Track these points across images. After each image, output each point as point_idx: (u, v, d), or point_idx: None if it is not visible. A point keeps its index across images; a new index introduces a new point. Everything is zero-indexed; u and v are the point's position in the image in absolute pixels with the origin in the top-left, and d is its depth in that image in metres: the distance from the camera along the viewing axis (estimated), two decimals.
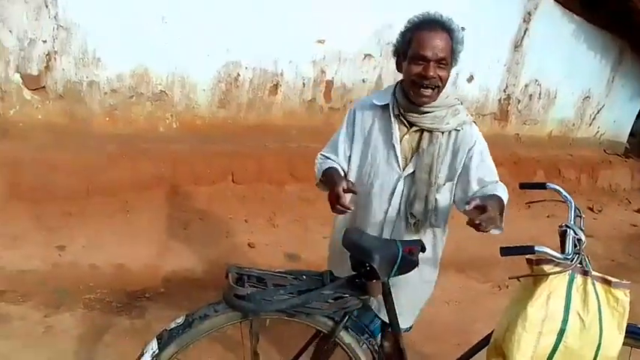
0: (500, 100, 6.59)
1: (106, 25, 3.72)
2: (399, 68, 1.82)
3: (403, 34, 1.77)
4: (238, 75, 4.51)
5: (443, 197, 1.83)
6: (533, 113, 7.10)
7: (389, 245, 1.58)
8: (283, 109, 4.91)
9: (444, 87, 1.74)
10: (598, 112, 8.06)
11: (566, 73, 7.08)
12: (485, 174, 1.78)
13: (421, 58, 1.67)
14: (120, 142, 3.95)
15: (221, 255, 3.60)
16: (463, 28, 1.80)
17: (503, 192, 1.72)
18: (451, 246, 4.45)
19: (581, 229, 1.71)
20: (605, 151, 8.35)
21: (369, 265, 1.51)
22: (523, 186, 2.11)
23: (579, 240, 1.66)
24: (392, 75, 5.38)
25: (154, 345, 1.46)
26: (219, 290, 3.16)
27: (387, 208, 1.86)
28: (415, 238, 1.85)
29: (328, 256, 2.15)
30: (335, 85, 5.10)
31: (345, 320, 1.58)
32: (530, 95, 6.89)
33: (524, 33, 6.35)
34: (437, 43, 1.66)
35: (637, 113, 8.80)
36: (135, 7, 3.79)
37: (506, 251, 1.55)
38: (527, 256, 1.62)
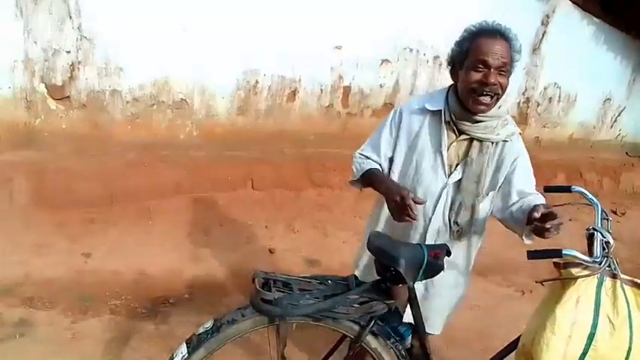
0: (519, 104, 6.55)
1: (128, 35, 3.79)
2: (454, 77, 1.81)
3: (460, 43, 1.75)
4: (257, 82, 4.55)
5: (484, 206, 1.83)
6: (553, 116, 7.03)
7: (414, 250, 1.58)
8: (301, 116, 4.94)
9: (502, 95, 1.73)
10: (619, 114, 7.94)
11: (586, 76, 6.99)
12: (526, 186, 1.79)
13: (482, 63, 1.66)
14: (141, 149, 4.02)
15: (242, 261, 3.62)
16: None
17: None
18: None
19: (609, 232, 1.69)
20: (627, 153, 8.21)
21: (395, 270, 1.52)
22: (548, 189, 2.08)
23: (607, 243, 1.64)
24: (409, 80, 5.38)
25: (183, 349, 1.48)
26: (241, 295, 3.21)
27: (431, 217, 1.84)
28: (455, 245, 1.85)
29: (361, 262, 2.09)
30: (352, 91, 5.11)
31: (371, 325, 1.58)
32: (550, 98, 6.83)
33: (543, 36, 6.30)
34: (498, 50, 1.65)
35: None
36: (156, 17, 3.86)
37: (533, 255, 1.53)
38: (554, 260, 1.61)
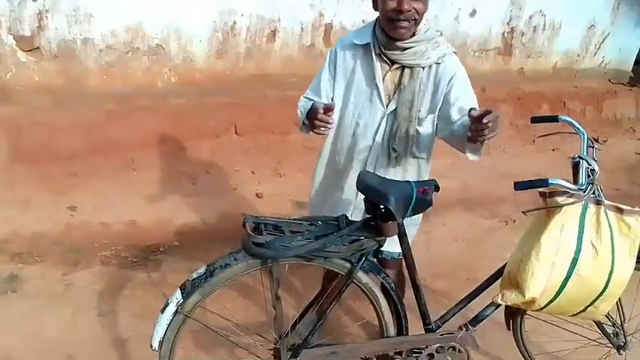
0: (503, 34, 6.42)
1: None
2: (375, 7, 1.80)
3: None
4: (235, 23, 4.38)
5: (425, 129, 1.86)
6: (537, 46, 6.92)
7: (403, 187, 1.59)
8: (282, 57, 4.80)
9: (421, 19, 1.73)
10: (603, 41, 7.85)
11: (570, 2, 6.85)
12: (466, 103, 1.79)
13: None
14: (119, 99, 3.91)
15: (230, 207, 3.63)
16: None
17: None
18: (457, 184, 4.43)
19: (594, 160, 1.71)
20: (610, 80, 8.18)
21: (385, 207, 1.52)
22: (535, 120, 2.09)
23: (592, 170, 1.67)
24: None
25: (178, 295, 1.50)
26: (231, 241, 3.23)
27: (372, 146, 1.89)
28: (399, 170, 1.91)
29: (312, 197, 2.15)
30: (334, 29, 4.95)
31: (362, 262, 1.60)
32: (535, 27, 6.70)
33: None
34: None
35: None
36: None
37: (520, 185, 1.55)
38: (540, 190, 1.63)
